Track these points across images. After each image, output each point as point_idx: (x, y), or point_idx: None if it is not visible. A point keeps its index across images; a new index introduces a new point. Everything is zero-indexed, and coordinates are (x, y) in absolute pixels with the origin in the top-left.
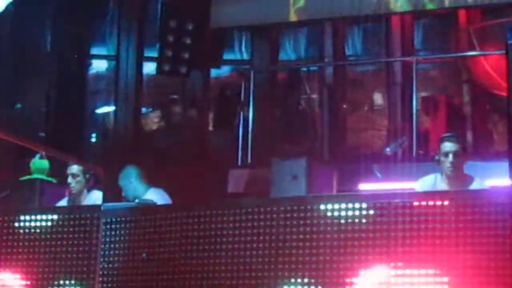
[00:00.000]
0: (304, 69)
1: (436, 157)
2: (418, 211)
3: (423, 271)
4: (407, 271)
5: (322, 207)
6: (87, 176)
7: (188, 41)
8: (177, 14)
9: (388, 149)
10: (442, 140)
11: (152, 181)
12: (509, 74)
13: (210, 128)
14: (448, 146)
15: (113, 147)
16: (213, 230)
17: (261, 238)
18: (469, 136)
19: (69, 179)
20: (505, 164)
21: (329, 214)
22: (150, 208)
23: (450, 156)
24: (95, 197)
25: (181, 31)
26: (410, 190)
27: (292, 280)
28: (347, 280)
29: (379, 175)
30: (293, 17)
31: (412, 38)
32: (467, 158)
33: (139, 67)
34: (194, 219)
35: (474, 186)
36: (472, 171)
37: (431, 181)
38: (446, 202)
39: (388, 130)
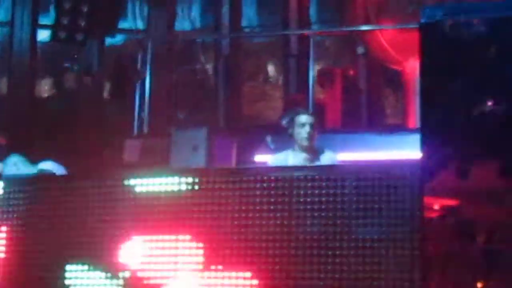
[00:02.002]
0: (200, 40)
1: (290, 131)
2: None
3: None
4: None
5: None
6: None
7: (85, 8)
8: None
9: (284, 121)
10: (296, 113)
11: (46, 151)
12: (421, 52)
13: (106, 96)
14: (304, 118)
15: (8, 115)
16: (114, 201)
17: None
18: (364, 109)
19: None
20: (396, 137)
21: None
22: (49, 178)
23: (307, 126)
24: None
25: None
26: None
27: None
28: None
29: (271, 146)
30: None
31: (308, 9)
32: (318, 132)
33: (34, 34)
34: (93, 189)
35: (325, 157)
36: (365, 144)
37: (283, 157)
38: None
39: (283, 101)
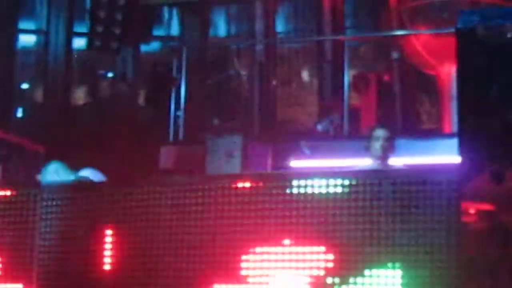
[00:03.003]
0: (234, 46)
1: (366, 143)
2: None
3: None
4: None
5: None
6: None
7: (119, 16)
8: None
9: (319, 126)
10: (374, 128)
11: (82, 158)
12: (458, 57)
13: (141, 104)
14: (379, 132)
15: (43, 123)
16: (151, 207)
17: (199, 216)
18: (399, 114)
19: None
20: (431, 142)
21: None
22: (88, 184)
23: (381, 140)
24: None
25: (112, 7)
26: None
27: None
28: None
29: (307, 152)
30: None
31: (342, 14)
32: (393, 150)
33: (69, 42)
34: (132, 195)
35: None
36: (401, 149)
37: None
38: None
39: (317, 107)
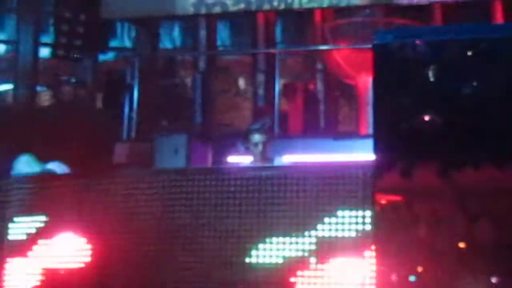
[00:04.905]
0: (180, 57)
1: (245, 146)
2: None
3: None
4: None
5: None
6: None
7: (81, 30)
8: (71, 6)
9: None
10: (251, 132)
11: (46, 153)
12: (374, 70)
13: (98, 106)
14: (257, 137)
15: (12, 122)
16: (106, 198)
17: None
18: (322, 118)
19: None
20: (349, 142)
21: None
22: (52, 177)
23: (260, 146)
24: None
25: (75, 21)
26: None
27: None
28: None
29: (243, 149)
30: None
31: (274, 31)
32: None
33: (36, 51)
34: (92, 186)
35: None
36: (323, 148)
37: None
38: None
39: (252, 111)
